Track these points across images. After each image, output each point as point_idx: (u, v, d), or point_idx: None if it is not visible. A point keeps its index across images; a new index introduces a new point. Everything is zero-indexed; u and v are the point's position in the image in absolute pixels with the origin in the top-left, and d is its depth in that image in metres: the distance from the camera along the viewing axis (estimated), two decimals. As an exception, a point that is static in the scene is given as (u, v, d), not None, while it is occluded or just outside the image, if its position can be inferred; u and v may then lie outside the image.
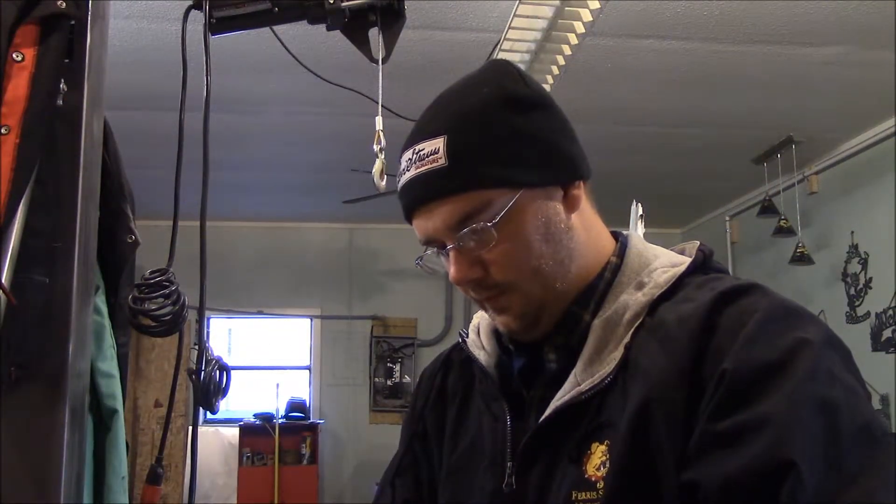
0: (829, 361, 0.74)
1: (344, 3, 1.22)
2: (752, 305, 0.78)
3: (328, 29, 1.27)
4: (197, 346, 1.11)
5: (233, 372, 1.19)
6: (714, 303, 0.80)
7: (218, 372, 1.15)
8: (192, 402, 6.72)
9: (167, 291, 1.08)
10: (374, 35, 1.25)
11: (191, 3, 1.17)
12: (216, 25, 1.22)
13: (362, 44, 1.30)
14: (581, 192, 0.92)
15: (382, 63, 1.28)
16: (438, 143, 0.87)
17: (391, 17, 1.28)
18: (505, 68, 0.94)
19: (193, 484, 1.12)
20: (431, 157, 0.87)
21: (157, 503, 1.13)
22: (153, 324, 1.08)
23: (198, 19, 1.24)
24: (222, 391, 1.17)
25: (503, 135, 0.87)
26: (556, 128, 0.92)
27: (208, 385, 1.14)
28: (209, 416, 6.84)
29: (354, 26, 1.28)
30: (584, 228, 0.93)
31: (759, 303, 0.78)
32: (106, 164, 1.19)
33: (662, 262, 0.92)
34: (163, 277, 1.09)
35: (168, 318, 1.08)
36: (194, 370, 1.11)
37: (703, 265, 0.91)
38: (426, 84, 3.58)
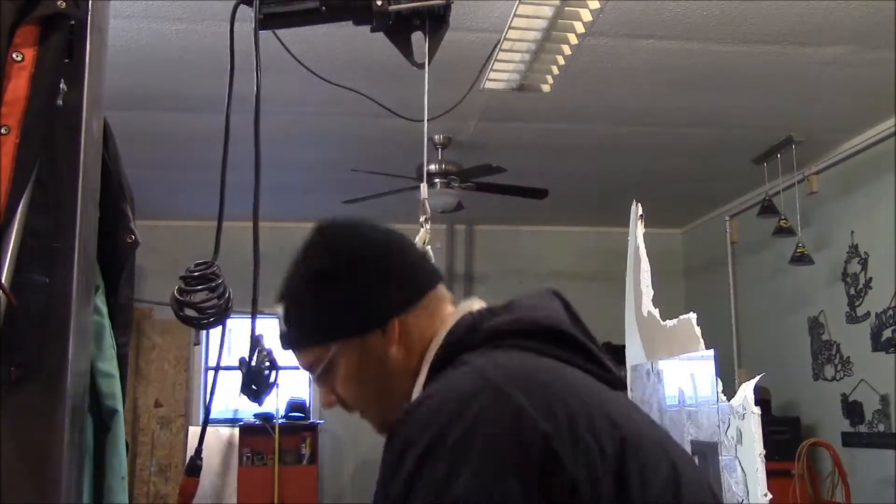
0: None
1: (391, 7, 1.23)
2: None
3: (372, 31, 1.28)
4: (250, 339, 1.13)
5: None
6: None
7: (268, 366, 1.16)
8: (192, 401, 6.72)
9: (213, 284, 1.09)
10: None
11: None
12: (264, 22, 1.23)
13: (405, 47, 1.30)
14: (394, 329, 1.05)
15: (422, 68, 1.29)
16: (280, 310, 1.11)
17: (436, 22, 1.29)
18: (312, 241, 1.13)
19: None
20: (280, 320, 1.12)
21: (194, 493, 1.14)
22: (198, 315, 1.08)
23: (225, 17, 1.24)
24: (269, 385, 1.18)
25: (312, 306, 1.08)
26: (360, 284, 1.07)
27: (258, 377, 1.14)
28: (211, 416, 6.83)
29: (399, 30, 1.28)
30: (406, 351, 1.06)
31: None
32: (106, 164, 1.19)
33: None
34: (208, 270, 1.10)
35: (213, 310, 1.09)
36: (246, 361, 1.12)
37: (452, 352, 1.01)
38: (427, 84, 3.58)
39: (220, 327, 1.16)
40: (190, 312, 1.08)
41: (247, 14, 1.33)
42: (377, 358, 1.06)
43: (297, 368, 1.11)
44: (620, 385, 1.04)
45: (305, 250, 1.12)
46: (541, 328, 0.99)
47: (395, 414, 1.01)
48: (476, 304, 1.08)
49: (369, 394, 1.09)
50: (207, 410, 1.35)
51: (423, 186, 1.36)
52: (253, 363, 1.14)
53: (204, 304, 1.08)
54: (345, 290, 1.07)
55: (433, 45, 1.30)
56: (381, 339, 1.06)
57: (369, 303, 1.06)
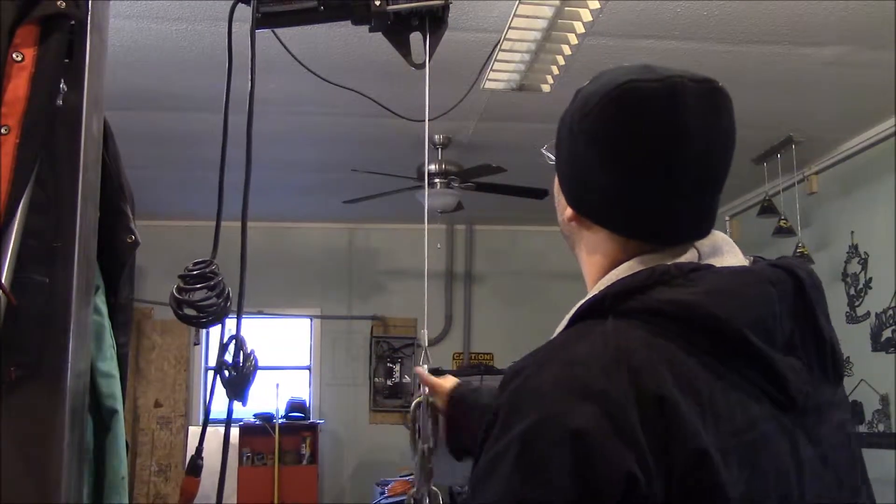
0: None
1: (390, 7, 1.23)
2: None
3: (371, 31, 1.27)
4: (229, 339, 1.12)
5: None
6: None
7: (249, 365, 1.16)
8: (192, 401, 6.72)
9: (212, 283, 1.08)
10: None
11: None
12: (262, 20, 1.22)
13: (403, 48, 1.30)
14: (571, 217, 1.01)
15: (421, 69, 1.29)
16: None
17: (434, 23, 1.28)
18: (604, 85, 1.03)
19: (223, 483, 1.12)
20: None
21: (195, 493, 1.14)
22: (197, 314, 1.08)
23: (225, 17, 1.24)
24: (249, 383, 1.18)
25: (559, 135, 1.07)
26: (578, 168, 1.01)
27: (247, 377, 1.14)
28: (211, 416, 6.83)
29: (397, 30, 1.28)
30: (593, 248, 1.00)
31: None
32: (106, 164, 1.19)
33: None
34: (207, 269, 1.09)
35: (212, 309, 1.08)
36: (224, 362, 1.12)
37: (597, 308, 0.87)
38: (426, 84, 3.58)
39: (219, 326, 1.16)
40: (189, 311, 1.08)
41: (246, 14, 1.33)
42: (566, 219, 1.02)
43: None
44: (798, 408, 0.85)
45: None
46: (708, 319, 0.82)
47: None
48: (680, 256, 0.90)
49: (569, 242, 1.05)
50: (207, 410, 1.34)
51: (424, 334, 1.40)
52: (235, 362, 1.13)
53: (203, 303, 1.08)
54: (564, 147, 1.02)
55: (432, 45, 1.29)
56: (566, 207, 1.01)
57: (566, 174, 1.01)
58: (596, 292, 0.89)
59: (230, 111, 1.26)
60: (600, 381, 0.77)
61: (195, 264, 1.10)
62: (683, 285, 0.85)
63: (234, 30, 1.30)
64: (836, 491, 0.88)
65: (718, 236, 0.95)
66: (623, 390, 0.76)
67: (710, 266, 0.89)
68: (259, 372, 1.19)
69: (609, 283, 0.89)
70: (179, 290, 1.07)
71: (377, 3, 1.22)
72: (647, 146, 0.91)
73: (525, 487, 0.75)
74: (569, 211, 1.00)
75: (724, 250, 0.93)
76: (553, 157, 1.05)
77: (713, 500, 0.76)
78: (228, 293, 1.12)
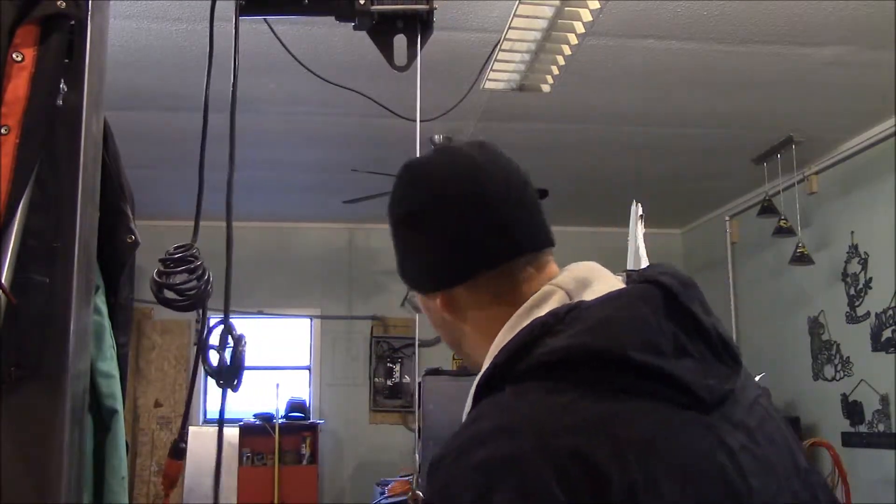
0: None
1: (374, 7, 1.23)
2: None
3: (355, 29, 1.27)
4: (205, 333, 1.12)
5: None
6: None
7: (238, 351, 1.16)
8: (196, 401, 6.72)
9: (192, 266, 1.08)
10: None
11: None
12: (246, 7, 1.22)
13: (385, 49, 1.30)
14: (441, 301, 1.02)
15: (403, 71, 1.29)
16: None
17: (419, 26, 1.28)
18: (398, 176, 1.06)
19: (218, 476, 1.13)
20: None
21: (178, 477, 1.13)
22: (178, 297, 1.08)
23: (224, 17, 1.24)
24: (241, 371, 1.18)
25: (393, 242, 1.06)
26: (419, 252, 1.03)
27: (240, 364, 1.14)
28: (208, 416, 6.84)
29: (381, 30, 1.28)
30: (472, 326, 1.02)
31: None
32: (106, 164, 1.19)
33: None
34: (187, 253, 1.09)
35: (193, 292, 1.08)
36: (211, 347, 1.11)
37: (495, 380, 0.88)
38: (425, 84, 3.58)
39: (209, 322, 1.16)
40: (170, 294, 1.08)
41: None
42: (440, 318, 1.04)
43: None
44: (709, 404, 0.86)
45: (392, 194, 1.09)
46: (594, 355, 0.84)
47: (475, 364, 1.00)
48: (552, 297, 0.95)
49: (447, 341, 1.08)
50: (188, 399, 1.33)
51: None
52: (225, 352, 1.13)
53: (183, 286, 1.08)
54: (400, 243, 1.06)
55: (416, 49, 1.29)
56: (434, 303, 1.03)
57: (416, 266, 1.04)
58: (487, 366, 0.90)
59: (237, 111, 1.26)
60: (512, 454, 0.78)
61: (176, 248, 1.10)
62: (563, 331, 0.86)
63: (227, 29, 1.30)
64: (776, 459, 0.89)
65: (583, 267, 1.00)
66: (536, 457, 0.77)
67: (581, 302, 0.91)
68: (259, 372, 1.18)
69: (496, 353, 0.91)
70: (160, 273, 1.07)
71: (361, 1, 1.22)
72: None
73: None
74: (439, 298, 1.02)
75: (592, 279, 0.97)
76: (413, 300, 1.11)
77: None
78: (209, 277, 1.11)
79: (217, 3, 1.26)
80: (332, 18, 1.32)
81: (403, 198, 1.04)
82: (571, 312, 0.88)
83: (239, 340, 1.17)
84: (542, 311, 0.91)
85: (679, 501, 0.77)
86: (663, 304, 0.89)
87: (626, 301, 0.89)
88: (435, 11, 1.28)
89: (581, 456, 0.76)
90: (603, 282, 0.96)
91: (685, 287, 0.92)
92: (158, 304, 1.13)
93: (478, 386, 0.90)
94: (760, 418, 0.91)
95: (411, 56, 1.29)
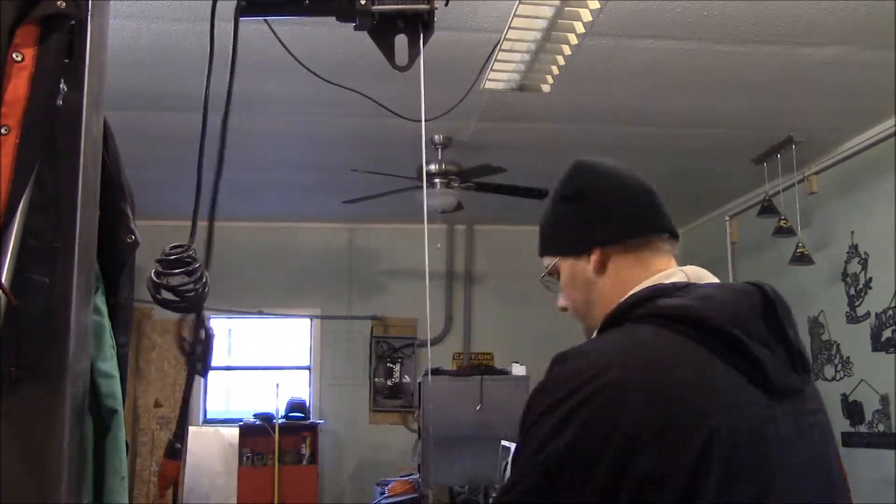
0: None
1: (374, 7, 1.23)
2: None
3: (356, 29, 1.27)
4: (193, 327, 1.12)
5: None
6: None
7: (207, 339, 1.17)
8: (196, 401, 6.72)
9: (190, 269, 1.08)
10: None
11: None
12: (246, 8, 1.22)
13: (386, 49, 1.30)
14: (597, 258, 1.22)
15: (404, 71, 1.29)
16: None
17: (420, 26, 1.28)
18: (568, 170, 1.31)
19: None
20: None
21: (176, 478, 1.13)
22: (175, 299, 1.08)
23: (224, 17, 1.24)
24: (210, 357, 1.19)
25: (546, 223, 1.32)
26: (575, 214, 1.27)
27: (210, 352, 1.14)
28: (208, 416, 6.84)
29: (382, 30, 1.28)
30: (611, 284, 1.22)
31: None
32: (106, 164, 1.19)
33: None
34: (184, 254, 1.09)
35: (191, 294, 1.08)
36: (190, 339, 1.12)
37: (619, 317, 1.13)
38: (426, 84, 3.58)
39: (209, 329, 1.16)
40: (167, 296, 1.08)
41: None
42: (583, 279, 1.24)
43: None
44: (777, 388, 1.04)
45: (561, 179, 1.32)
46: (696, 318, 1.05)
47: (592, 330, 1.22)
48: (675, 276, 1.18)
49: (578, 306, 1.28)
50: (185, 399, 1.33)
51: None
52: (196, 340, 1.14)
53: (181, 288, 1.08)
54: (564, 216, 1.27)
55: (417, 49, 1.29)
56: (585, 264, 1.23)
57: (578, 230, 1.25)
58: (614, 307, 1.15)
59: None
60: (620, 362, 1.02)
61: (172, 248, 1.10)
62: (679, 296, 1.10)
63: (226, 29, 1.30)
64: (811, 461, 1.07)
65: (701, 270, 1.22)
66: (623, 378, 1.00)
67: (696, 284, 1.16)
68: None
69: (624, 299, 1.15)
70: (158, 274, 1.07)
71: (362, 1, 1.22)
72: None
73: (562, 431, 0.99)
74: (595, 255, 1.22)
75: (704, 276, 1.20)
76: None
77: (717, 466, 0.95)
78: (206, 279, 1.11)
79: (217, 3, 1.26)
80: (333, 18, 1.32)
81: (574, 179, 1.28)
82: (688, 287, 1.13)
83: (207, 332, 1.18)
84: (667, 283, 1.16)
85: (724, 452, 0.95)
86: (760, 305, 1.09)
87: (730, 290, 1.11)
88: (435, 11, 1.28)
89: (673, 378, 1.00)
90: (712, 279, 1.20)
91: (781, 302, 1.11)
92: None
93: (604, 322, 1.14)
94: (812, 425, 1.10)
95: (413, 56, 1.29)
